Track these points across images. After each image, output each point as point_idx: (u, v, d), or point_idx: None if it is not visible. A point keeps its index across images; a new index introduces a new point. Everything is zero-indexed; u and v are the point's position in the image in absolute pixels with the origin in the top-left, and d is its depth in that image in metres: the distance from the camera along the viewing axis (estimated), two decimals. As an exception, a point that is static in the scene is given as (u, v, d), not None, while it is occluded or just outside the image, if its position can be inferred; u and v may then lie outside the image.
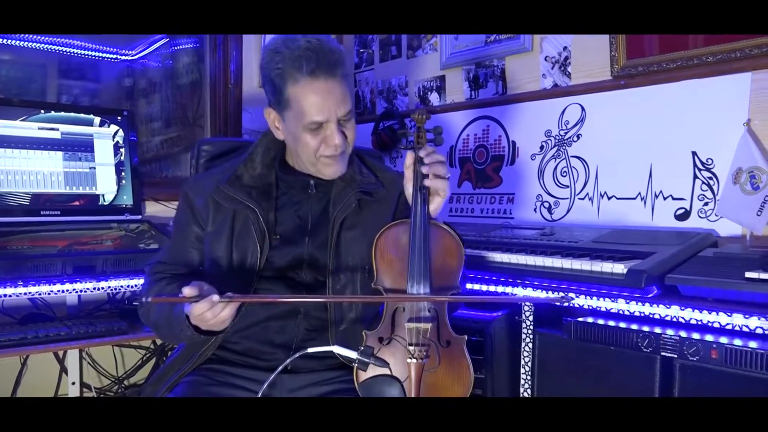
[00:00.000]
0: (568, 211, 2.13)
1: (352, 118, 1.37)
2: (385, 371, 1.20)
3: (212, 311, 1.15)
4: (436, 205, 1.31)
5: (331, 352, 1.21)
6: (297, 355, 1.16)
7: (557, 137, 2.19)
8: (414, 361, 1.19)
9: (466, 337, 1.26)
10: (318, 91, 1.28)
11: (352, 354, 1.18)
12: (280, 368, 1.15)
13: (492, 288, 1.76)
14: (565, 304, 1.32)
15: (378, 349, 1.22)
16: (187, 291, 1.13)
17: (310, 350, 1.18)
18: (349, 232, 1.38)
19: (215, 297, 1.13)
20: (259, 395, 1.15)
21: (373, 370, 1.20)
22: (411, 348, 1.21)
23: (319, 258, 1.37)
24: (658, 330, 1.45)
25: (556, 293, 1.58)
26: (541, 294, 1.64)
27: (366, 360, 1.17)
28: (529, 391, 1.71)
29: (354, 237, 1.38)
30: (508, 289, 1.72)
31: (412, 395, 1.18)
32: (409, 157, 1.32)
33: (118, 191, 2.19)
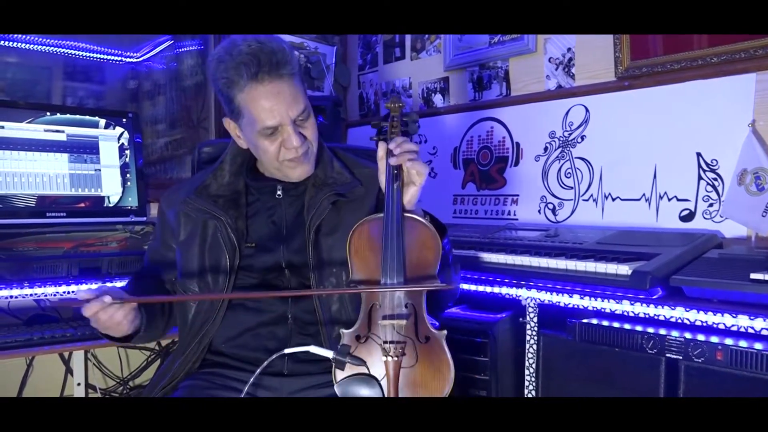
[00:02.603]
0: (573, 212, 2.13)
1: (311, 116, 1.32)
2: (363, 370, 1.19)
3: (105, 312, 1.17)
4: (411, 195, 1.25)
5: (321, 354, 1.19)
6: (273, 357, 1.14)
7: (561, 138, 2.19)
8: (389, 359, 1.17)
9: (445, 332, 1.23)
10: (265, 95, 1.24)
11: (329, 353, 1.17)
12: (260, 369, 1.13)
13: (496, 289, 1.76)
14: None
15: (355, 347, 1.20)
16: (80, 292, 1.16)
17: (286, 351, 1.16)
18: (329, 237, 1.35)
19: (107, 298, 1.16)
20: (243, 395, 1.14)
21: (351, 369, 1.18)
22: (386, 346, 1.19)
23: (298, 264, 1.35)
24: (663, 331, 1.44)
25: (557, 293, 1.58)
26: (544, 295, 1.64)
27: (342, 359, 1.16)
28: (533, 392, 1.71)
29: (334, 241, 1.35)
30: (513, 291, 1.72)
31: (391, 394, 1.17)
32: (381, 149, 1.26)
33: (123, 193, 2.20)
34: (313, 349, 1.17)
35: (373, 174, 1.36)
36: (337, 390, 1.19)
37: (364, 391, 1.18)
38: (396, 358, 1.18)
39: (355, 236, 1.27)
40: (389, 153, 1.25)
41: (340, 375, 1.19)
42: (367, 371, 1.19)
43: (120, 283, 1.86)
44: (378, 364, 1.20)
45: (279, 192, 1.40)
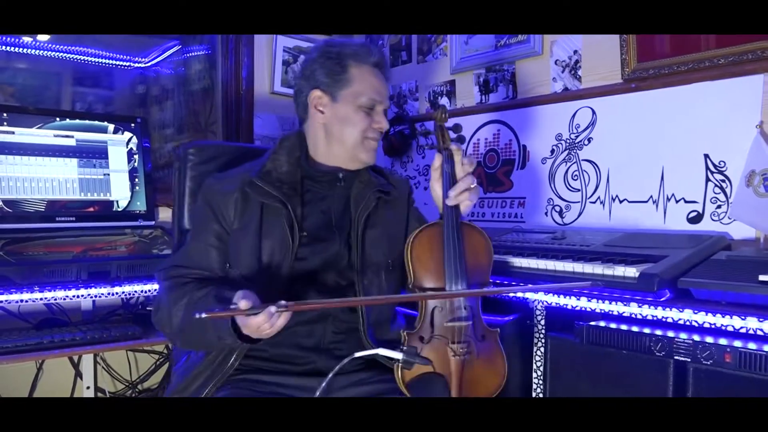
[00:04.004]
0: (580, 214, 2.13)
1: None
2: (429, 369, 1.27)
3: (269, 322, 1.14)
4: (466, 207, 1.40)
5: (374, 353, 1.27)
6: (347, 360, 1.19)
7: (568, 141, 2.18)
8: (457, 358, 1.28)
9: (498, 329, 1.36)
10: (377, 78, 1.48)
11: (398, 355, 1.25)
12: (335, 370, 1.17)
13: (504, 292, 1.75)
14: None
15: (420, 348, 1.29)
16: (243, 304, 1.11)
17: (357, 354, 1.21)
18: (373, 231, 1.44)
19: (272, 308, 1.12)
20: (317, 394, 1.17)
21: (418, 369, 1.27)
22: (453, 346, 1.29)
23: (345, 257, 1.41)
24: (671, 334, 1.44)
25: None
26: (551, 298, 1.63)
27: (412, 360, 1.25)
28: (540, 395, 1.70)
29: (377, 235, 1.44)
30: (519, 294, 1.71)
31: (454, 389, 1.28)
32: (437, 159, 1.42)
33: (131, 197, 2.22)
34: (383, 352, 1.25)
35: (402, 183, 1.58)
36: (408, 389, 1.27)
37: (434, 389, 1.27)
38: (462, 357, 1.28)
39: (416, 243, 1.36)
40: (447, 162, 1.41)
41: (407, 375, 1.28)
42: (432, 370, 1.28)
43: (128, 287, 1.88)
44: (441, 363, 1.29)
45: (341, 177, 1.48)
